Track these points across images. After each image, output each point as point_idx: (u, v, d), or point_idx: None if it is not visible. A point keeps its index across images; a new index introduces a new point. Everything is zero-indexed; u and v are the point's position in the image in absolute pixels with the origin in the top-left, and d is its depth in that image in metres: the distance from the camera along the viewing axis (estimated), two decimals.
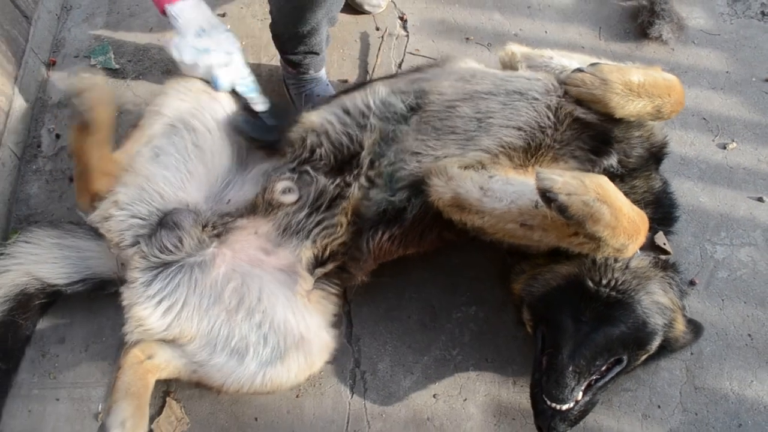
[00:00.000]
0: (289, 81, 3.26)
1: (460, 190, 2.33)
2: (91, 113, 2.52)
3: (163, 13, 2.68)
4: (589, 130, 2.45)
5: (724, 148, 3.23)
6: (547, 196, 2.04)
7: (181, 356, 2.49)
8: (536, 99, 2.46)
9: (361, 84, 2.84)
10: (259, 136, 2.76)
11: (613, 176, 2.45)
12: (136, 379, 2.41)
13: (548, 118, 2.43)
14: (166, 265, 2.49)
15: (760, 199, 3.09)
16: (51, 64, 3.46)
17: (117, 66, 3.46)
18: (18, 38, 3.25)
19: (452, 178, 2.36)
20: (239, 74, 2.78)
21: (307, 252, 2.52)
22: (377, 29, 3.59)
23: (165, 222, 2.52)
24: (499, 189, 2.28)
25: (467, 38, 3.57)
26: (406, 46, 3.55)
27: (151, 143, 2.62)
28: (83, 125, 2.54)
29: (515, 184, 2.29)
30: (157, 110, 2.70)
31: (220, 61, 2.71)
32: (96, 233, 2.67)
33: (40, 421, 2.69)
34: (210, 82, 2.75)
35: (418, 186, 2.46)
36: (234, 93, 2.81)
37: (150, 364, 2.45)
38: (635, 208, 2.15)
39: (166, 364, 2.49)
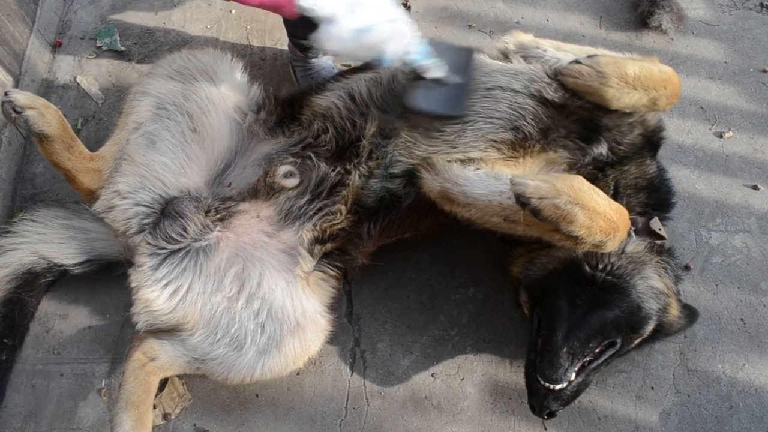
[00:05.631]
0: (296, 64, 3.26)
1: (447, 184, 2.39)
2: (39, 125, 2.53)
3: (294, 15, 2.22)
4: (577, 118, 2.47)
5: (721, 136, 3.26)
6: (520, 200, 2.10)
7: (184, 354, 2.51)
8: (517, 92, 2.47)
9: (367, 67, 2.84)
10: (445, 111, 2.42)
11: (604, 163, 2.49)
12: (137, 386, 2.44)
13: (532, 110, 2.45)
14: (173, 252, 2.53)
15: (755, 187, 3.13)
16: (57, 46, 3.48)
17: (122, 48, 3.48)
18: (25, 18, 3.27)
19: (440, 173, 2.42)
20: (408, 42, 2.28)
21: (308, 234, 2.55)
22: None
23: (167, 212, 2.55)
24: (482, 184, 2.35)
25: (470, 25, 3.59)
26: None
27: (141, 129, 2.62)
28: (39, 137, 2.57)
29: (500, 178, 2.34)
30: (142, 90, 2.68)
31: (384, 35, 2.21)
32: None
33: (44, 395, 2.73)
34: (373, 62, 2.45)
35: (412, 176, 2.51)
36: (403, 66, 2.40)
37: (153, 366, 2.49)
38: (614, 205, 2.19)
39: (170, 364, 2.52)
